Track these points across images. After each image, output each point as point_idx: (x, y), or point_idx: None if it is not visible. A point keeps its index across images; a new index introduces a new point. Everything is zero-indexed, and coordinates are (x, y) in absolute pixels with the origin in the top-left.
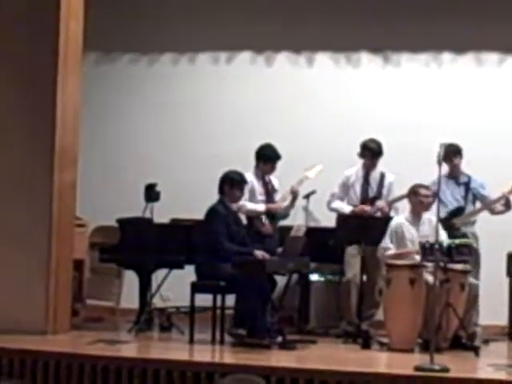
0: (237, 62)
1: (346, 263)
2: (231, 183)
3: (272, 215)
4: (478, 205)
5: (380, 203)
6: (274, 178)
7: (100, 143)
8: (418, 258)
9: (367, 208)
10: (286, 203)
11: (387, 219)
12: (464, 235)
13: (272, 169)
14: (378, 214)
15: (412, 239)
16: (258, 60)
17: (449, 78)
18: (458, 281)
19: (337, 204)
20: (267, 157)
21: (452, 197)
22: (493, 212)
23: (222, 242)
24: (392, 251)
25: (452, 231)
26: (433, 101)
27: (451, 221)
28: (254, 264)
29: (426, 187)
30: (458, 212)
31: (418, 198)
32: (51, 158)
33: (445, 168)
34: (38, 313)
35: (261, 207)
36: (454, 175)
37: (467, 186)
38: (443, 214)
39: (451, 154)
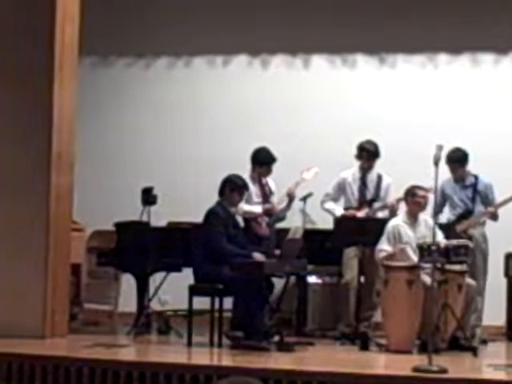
0: (233, 65)
1: (344, 265)
2: (232, 187)
3: (269, 215)
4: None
5: (390, 200)
6: (271, 181)
7: (96, 147)
8: (411, 253)
9: (359, 214)
10: (283, 205)
11: (384, 220)
12: (470, 238)
13: (268, 171)
14: (386, 213)
15: (409, 241)
16: (254, 63)
17: (445, 79)
18: (456, 282)
19: (329, 205)
20: (262, 160)
21: (459, 199)
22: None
23: (222, 244)
24: (385, 252)
25: (456, 235)
26: (429, 102)
27: (454, 227)
28: (252, 266)
29: (422, 188)
30: (466, 215)
31: (415, 199)
32: (48, 162)
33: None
34: (36, 317)
35: (257, 208)
36: (460, 178)
37: (474, 187)
38: (452, 217)
39: (452, 164)
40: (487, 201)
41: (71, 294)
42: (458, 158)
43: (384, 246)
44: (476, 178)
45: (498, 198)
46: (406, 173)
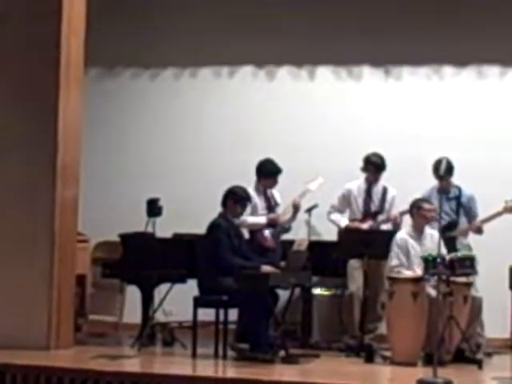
0: (238, 76)
1: (349, 276)
2: (235, 198)
3: (274, 226)
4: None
5: (394, 213)
6: (275, 192)
7: (102, 158)
8: (415, 267)
9: (364, 226)
10: (288, 216)
11: (389, 233)
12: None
13: (273, 183)
14: (389, 225)
15: (416, 254)
16: (259, 74)
17: (450, 92)
18: (461, 294)
19: (334, 216)
20: (268, 171)
21: (443, 211)
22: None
23: (226, 256)
24: (402, 268)
25: (448, 244)
26: (434, 114)
27: (450, 233)
28: (257, 278)
29: (429, 202)
30: (451, 226)
31: (422, 213)
32: (53, 173)
33: (435, 181)
34: (41, 328)
35: (262, 219)
36: (445, 189)
37: (458, 199)
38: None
39: (445, 171)
40: (470, 213)
41: (76, 305)
42: (448, 168)
43: (395, 262)
44: (459, 189)
45: (489, 209)
46: (410, 185)
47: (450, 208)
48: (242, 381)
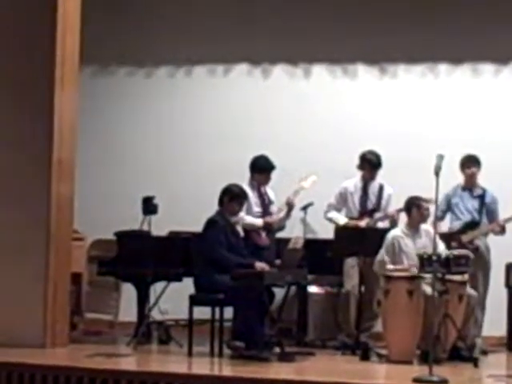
0: (233, 75)
1: (345, 274)
2: (231, 196)
3: (268, 230)
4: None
5: (391, 210)
6: (269, 190)
7: (97, 156)
8: (415, 270)
9: (362, 223)
10: (282, 214)
11: (385, 230)
12: (476, 248)
13: (267, 179)
14: (387, 223)
15: (408, 252)
16: (254, 72)
17: (445, 89)
18: (457, 292)
19: (332, 214)
20: (261, 167)
21: (465, 209)
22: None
23: (222, 253)
24: (388, 265)
25: (461, 244)
26: (429, 112)
27: (459, 236)
28: (253, 276)
29: (424, 199)
30: (472, 225)
31: (421, 211)
32: (48, 171)
33: (460, 179)
34: (37, 326)
35: (259, 222)
36: (469, 186)
37: (482, 199)
38: (456, 225)
39: (467, 163)
40: (493, 214)
41: (72, 303)
42: (475, 160)
43: (383, 258)
44: (484, 190)
45: (500, 209)
46: (406, 183)
47: (472, 206)
48: (237, 379)
